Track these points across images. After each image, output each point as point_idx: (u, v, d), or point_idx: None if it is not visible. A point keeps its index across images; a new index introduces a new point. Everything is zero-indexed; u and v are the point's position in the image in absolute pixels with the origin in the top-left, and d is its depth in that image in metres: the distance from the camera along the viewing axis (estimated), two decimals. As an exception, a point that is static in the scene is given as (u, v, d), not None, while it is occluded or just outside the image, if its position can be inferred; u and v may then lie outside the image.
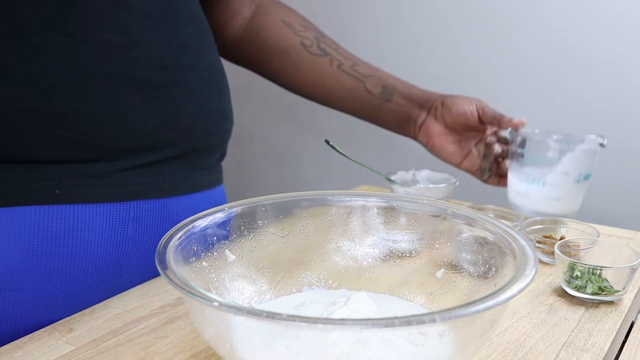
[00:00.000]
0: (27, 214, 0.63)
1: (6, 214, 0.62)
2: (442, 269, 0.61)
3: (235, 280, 0.60)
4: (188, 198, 0.76)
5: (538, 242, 0.76)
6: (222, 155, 0.84)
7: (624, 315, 0.63)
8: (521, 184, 0.86)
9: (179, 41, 0.71)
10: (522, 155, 0.85)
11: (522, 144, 0.85)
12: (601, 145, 0.83)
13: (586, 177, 0.85)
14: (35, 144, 0.63)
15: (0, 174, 0.62)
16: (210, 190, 0.80)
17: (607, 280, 0.65)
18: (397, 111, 0.96)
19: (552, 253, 0.71)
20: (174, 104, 0.70)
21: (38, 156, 0.63)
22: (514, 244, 0.52)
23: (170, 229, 0.71)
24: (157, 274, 0.72)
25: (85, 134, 0.64)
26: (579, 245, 0.71)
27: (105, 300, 0.67)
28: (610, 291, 0.65)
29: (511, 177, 0.88)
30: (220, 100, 0.78)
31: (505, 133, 0.88)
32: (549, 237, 0.77)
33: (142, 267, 0.72)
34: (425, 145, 0.96)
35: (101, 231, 0.67)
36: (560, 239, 0.74)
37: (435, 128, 0.94)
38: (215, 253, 0.59)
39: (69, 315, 0.64)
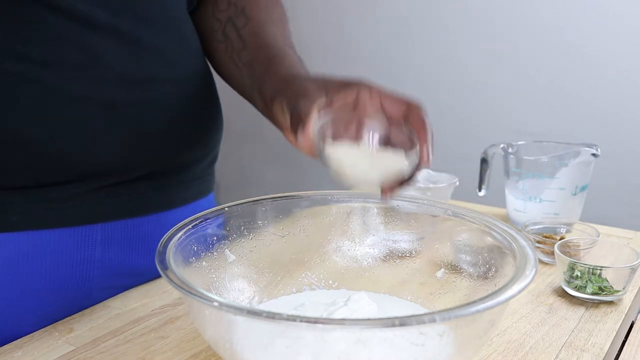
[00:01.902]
0: None
1: None
2: (442, 269, 0.61)
3: (235, 280, 0.60)
4: (165, 215, 0.71)
5: (538, 242, 0.76)
6: (212, 162, 0.78)
7: (624, 315, 0.63)
8: (518, 202, 0.87)
9: (149, 53, 0.65)
10: (517, 174, 0.86)
11: (517, 162, 0.86)
12: (594, 155, 0.83)
13: (583, 189, 0.86)
14: None
15: None
16: (194, 202, 0.75)
17: (607, 280, 0.65)
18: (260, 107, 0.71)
19: (552, 253, 0.71)
20: (143, 122, 0.65)
21: None
22: (514, 244, 0.52)
23: (143, 248, 0.70)
24: (126, 290, 0.69)
25: (46, 160, 0.60)
26: (579, 245, 0.71)
27: (105, 300, 0.67)
28: (610, 291, 0.65)
29: (508, 195, 0.89)
30: (202, 111, 0.72)
31: (499, 150, 0.89)
32: (549, 237, 0.77)
33: (112, 289, 0.69)
34: None
35: (65, 256, 0.64)
36: (560, 239, 0.74)
37: None
38: (215, 253, 0.59)
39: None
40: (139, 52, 0.64)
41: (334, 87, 0.56)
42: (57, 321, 0.63)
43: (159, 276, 0.71)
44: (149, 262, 0.70)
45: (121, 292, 0.69)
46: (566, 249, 0.70)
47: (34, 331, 0.61)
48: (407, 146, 0.54)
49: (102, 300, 0.67)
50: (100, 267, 0.67)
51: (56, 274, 0.64)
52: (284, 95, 0.59)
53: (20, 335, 0.60)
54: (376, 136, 0.54)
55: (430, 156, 0.54)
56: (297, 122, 0.54)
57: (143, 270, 0.71)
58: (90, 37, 0.61)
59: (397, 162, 0.54)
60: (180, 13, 0.71)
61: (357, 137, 0.55)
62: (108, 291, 0.68)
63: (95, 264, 0.66)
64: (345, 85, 0.56)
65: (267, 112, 0.65)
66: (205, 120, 0.73)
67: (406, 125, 0.54)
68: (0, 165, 0.60)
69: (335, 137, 0.55)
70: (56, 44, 0.60)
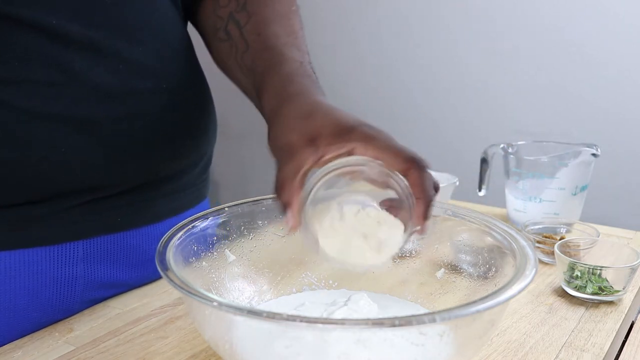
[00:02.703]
0: None
1: None
2: (442, 269, 0.61)
3: (235, 280, 0.60)
4: (152, 227, 0.69)
5: (538, 242, 0.76)
6: (205, 166, 0.76)
7: (624, 315, 0.63)
8: (518, 202, 0.87)
9: (130, 66, 0.62)
10: (517, 174, 0.86)
11: (517, 162, 0.86)
12: (594, 155, 0.83)
13: (583, 189, 0.86)
14: None
15: None
16: (187, 211, 0.73)
17: (607, 280, 0.65)
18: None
19: (552, 253, 0.71)
20: (124, 136, 0.62)
21: None
22: (514, 244, 0.52)
23: (128, 261, 0.68)
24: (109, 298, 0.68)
25: (19, 180, 0.57)
26: (579, 245, 0.71)
27: (106, 301, 0.67)
28: (610, 291, 0.65)
29: (508, 195, 0.89)
30: (189, 120, 0.69)
31: (499, 150, 0.89)
32: (549, 237, 0.77)
33: (95, 301, 0.67)
34: None
35: (47, 274, 0.62)
36: (560, 239, 0.74)
37: None
38: (215, 253, 0.59)
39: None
40: (117, 66, 0.61)
41: (325, 138, 0.48)
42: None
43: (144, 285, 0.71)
44: (135, 274, 0.69)
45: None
46: (566, 249, 0.70)
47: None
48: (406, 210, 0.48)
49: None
50: (83, 283, 0.65)
51: (39, 291, 0.62)
52: (270, 132, 0.53)
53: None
54: (371, 211, 0.48)
55: (427, 227, 0.48)
56: (281, 195, 0.48)
57: (127, 282, 0.69)
58: (62, 52, 0.57)
59: (393, 236, 0.48)
60: (163, 19, 0.67)
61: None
62: (91, 303, 0.67)
63: (78, 280, 0.64)
64: (338, 134, 0.48)
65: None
66: (194, 129, 0.70)
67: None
68: None
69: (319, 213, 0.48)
70: (23, 62, 0.56)
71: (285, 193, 0.48)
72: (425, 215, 0.47)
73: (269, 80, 0.58)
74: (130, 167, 0.64)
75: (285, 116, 0.52)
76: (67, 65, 0.57)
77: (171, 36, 0.68)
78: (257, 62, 0.63)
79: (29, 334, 0.61)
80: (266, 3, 0.69)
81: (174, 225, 0.61)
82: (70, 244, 0.63)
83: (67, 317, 0.64)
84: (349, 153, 0.48)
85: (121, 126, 0.62)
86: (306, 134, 0.49)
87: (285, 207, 0.47)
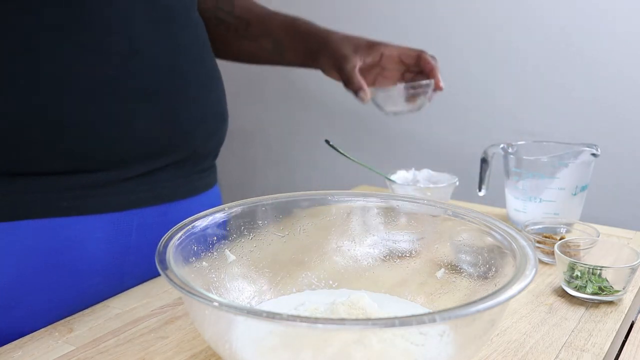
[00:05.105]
0: (27, 228, 0.62)
1: (6, 228, 0.61)
2: (442, 269, 0.61)
3: (235, 280, 0.60)
4: (186, 202, 0.75)
5: (538, 242, 0.76)
6: (216, 155, 0.84)
7: (624, 315, 0.63)
8: (518, 202, 0.87)
9: (179, 48, 0.71)
10: (517, 174, 0.86)
11: (517, 162, 0.86)
12: (594, 155, 0.83)
13: (583, 189, 0.86)
14: (35, 156, 0.61)
15: (0, 187, 0.61)
16: (206, 192, 0.80)
17: (607, 280, 0.65)
18: (293, 62, 1.01)
19: (552, 253, 0.71)
20: (176, 110, 0.70)
21: (37, 168, 0.62)
22: (514, 244, 0.52)
23: None
24: (158, 274, 0.72)
25: (86, 144, 0.63)
26: (579, 245, 0.71)
27: (105, 300, 0.67)
28: (610, 291, 0.65)
29: (508, 195, 0.89)
30: (219, 104, 0.78)
31: (499, 150, 0.89)
32: (549, 237, 0.77)
33: (145, 273, 0.72)
34: None
35: (105, 242, 0.66)
36: (560, 239, 0.74)
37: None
38: (215, 253, 0.59)
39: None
40: (171, 46, 0.69)
41: (362, 49, 0.92)
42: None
43: None
44: None
45: (148, 278, 0.72)
46: (566, 249, 0.70)
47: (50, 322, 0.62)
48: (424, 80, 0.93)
49: (134, 285, 0.70)
50: (135, 253, 0.70)
51: (96, 258, 0.66)
52: (326, 55, 0.93)
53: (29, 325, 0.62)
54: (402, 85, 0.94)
55: (441, 83, 0.93)
56: (350, 84, 0.90)
57: None
58: (131, 27, 0.65)
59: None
60: (196, 14, 0.78)
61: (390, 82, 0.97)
62: (141, 276, 0.71)
63: (131, 250, 0.69)
64: (370, 46, 0.93)
65: (304, 65, 0.98)
66: (221, 114, 0.79)
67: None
68: (36, 150, 0.61)
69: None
70: (103, 32, 0.63)
71: (354, 81, 0.90)
72: (438, 77, 0.94)
73: (295, 31, 0.95)
74: (176, 140, 0.71)
75: (333, 42, 0.93)
76: (134, 38, 0.65)
77: (202, 29, 0.79)
78: (268, 28, 0.95)
79: (84, 298, 0.66)
80: None
81: (201, 201, 0.77)
82: (125, 213, 0.68)
83: (120, 288, 0.69)
84: (380, 55, 0.94)
85: (171, 99, 0.69)
86: (351, 48, 0.92)
87: (358, 88, 0.90)
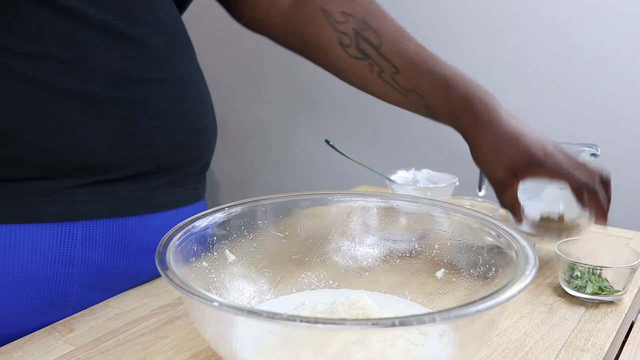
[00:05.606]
0: None
1: None
2: (442, 269, 0.61)
3: (235, 280, 0.60)
4: (151, 217, 0.70)
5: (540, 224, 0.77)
6: (202, 169, 0.78)
7: (624, 315, 0.63)
8: None
9: (140, 54, 0.66)
10: None
11: None
12: (594, 155, 0.83)
13: None
14: None
15: None
16: (182, 208, 0.74)
17: (607, 280, 0.65)
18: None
19: (555, 231, 0.72)
20: (129, 121, 0.65)
21: None
22: (514, 244, 0.52)
23: (126, 250, 0.68)
24: (107, 297, 0.68)
25: (26, 153, 0.60)
26: (579, 245, 0.71)
27: (105, 300, 0.67)
28: (610, 291, 0.65)
29: None
30: (192, 115, 0.72)
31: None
32: (547, 219, 0.78)
33: (92, 290, 0.67)
34: None
35: (45, 252, 0.62)
36: (559, 218, 0.74)
37: None
38: (215, 253, 0.59)
39: (6, 344, 0.60)
40: (127, 51, 0.64)
41: (522, 172, 0.69)
42: (41, 315, 0.63)
43: (142, 277, 0.71)
44: (132, 264, 0.69)
45: (102, 292, 0.68)
46: (566, 249, 0.70)
47: (31, 329, 0.61)
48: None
49: (81, 301, 0.66)
50: (80, 265, 0.65)
51: (35, 269, 0.62)
52: (478, 158, 0.71)
53: (9, 329, 0.60)
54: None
55: (606, 220, 0.70)
56: (516, 214, 0.72)
57: (124, 273, 0.69)
58: (77, 32, 0.61)
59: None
60: (171, 17, 0.71)
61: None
62: (87, 292, 0.67)
63: (76, 262, 0.65)
64: (530, 166, 0.68)
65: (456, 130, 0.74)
66: (194, 124, 0.73)
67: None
68: None
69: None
70: (40, 37, 0.60)
71: (517, 214, 0.72)
72: (602, 218, 0.69)
73: (449, 94, 0.72)
74: (132, 153, 0.66)
75: (484, 148, 0.70)
76: (80, 43, 0.61)
77: (178, 34, 0.72)
78: (419, 84, 0.74)
79: (24, 313, 0.62)
80: (384, 18, 0.79)
81: (170, 218, 0.67)
82: (70, 224, 0.64)
83: (63, 302, 0.65)
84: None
85: (126, 110, 0.64)
86: (508, 169, 0.69)
87: (519, 219, 0.73)
